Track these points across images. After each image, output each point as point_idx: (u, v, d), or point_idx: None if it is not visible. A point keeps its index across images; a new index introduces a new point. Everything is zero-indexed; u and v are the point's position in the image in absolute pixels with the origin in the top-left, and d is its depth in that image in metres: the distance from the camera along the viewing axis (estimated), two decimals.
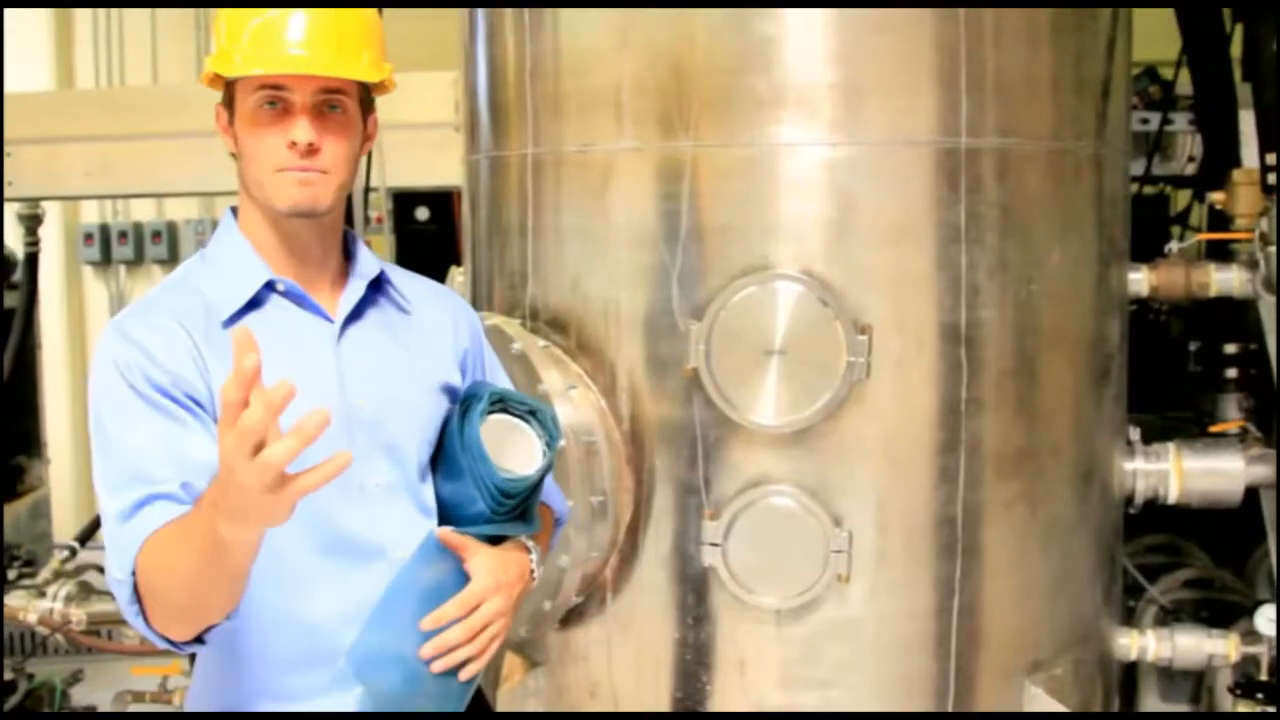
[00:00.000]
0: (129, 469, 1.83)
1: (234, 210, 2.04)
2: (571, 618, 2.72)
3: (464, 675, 1.98)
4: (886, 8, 2.48)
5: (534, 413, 2.09)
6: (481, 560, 2.00)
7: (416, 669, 1.95)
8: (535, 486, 2.06)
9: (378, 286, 2.07)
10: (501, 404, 2.07)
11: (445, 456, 2.07)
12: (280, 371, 1.90)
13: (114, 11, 7.25)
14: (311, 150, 1.90)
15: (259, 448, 1.51)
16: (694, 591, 2.61)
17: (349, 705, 1.95)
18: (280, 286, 1.97)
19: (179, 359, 1.88)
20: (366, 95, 2.01)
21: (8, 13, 5.01)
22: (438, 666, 1.94)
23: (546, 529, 2.20)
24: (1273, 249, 2.97)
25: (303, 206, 1.93)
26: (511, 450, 2.07)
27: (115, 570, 1.81)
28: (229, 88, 1.97)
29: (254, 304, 1.95)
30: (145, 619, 1.82)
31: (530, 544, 2.11)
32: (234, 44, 1.93)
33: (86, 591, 4.34)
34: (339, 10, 1.95)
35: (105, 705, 4.84)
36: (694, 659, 2.63)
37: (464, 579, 1.99)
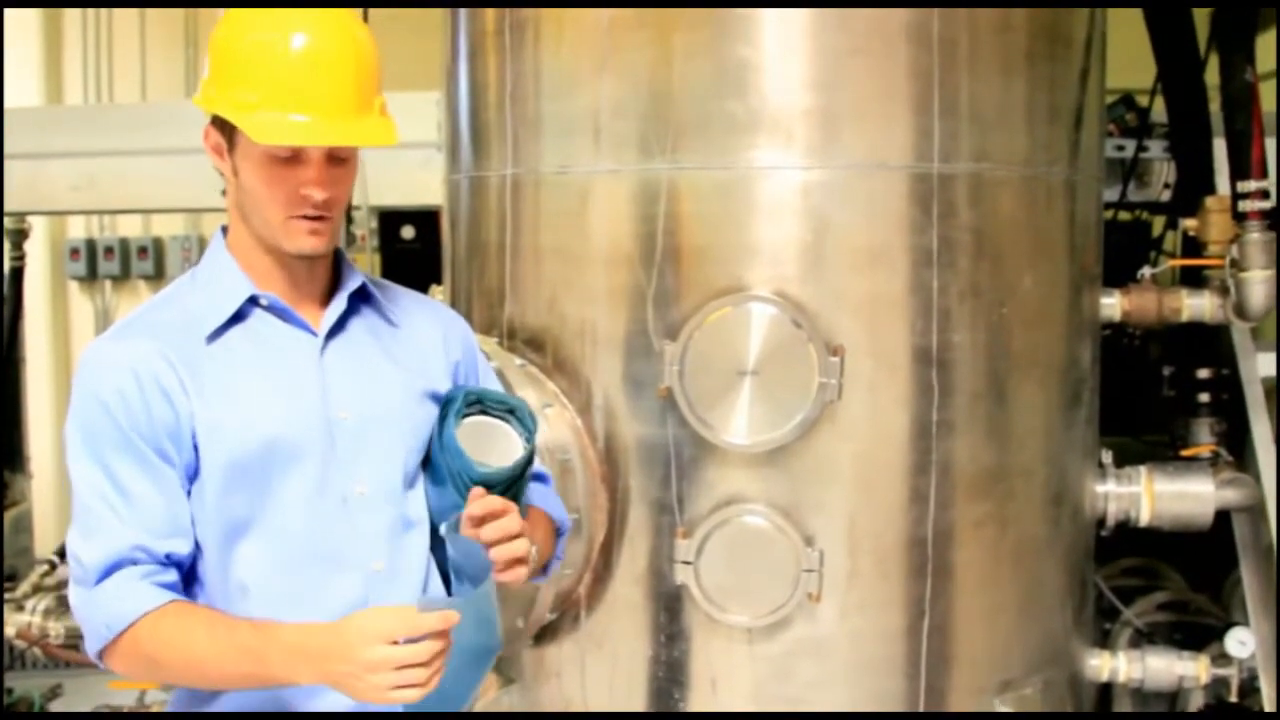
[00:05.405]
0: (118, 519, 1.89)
1: (225, 229, 2.06)
2: (545, 635, 2.74)
3: (514, 577, 1.95)
4: (860, 10, 2.51)
5: (512, 411, 2.12)
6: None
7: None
8: (516, 479, 2.07)
9: (365, 300, 2.09)
10: (480, 405, 2.10)
11: (431, 464, 2.09)
12: (263, 383, 1.94)
13: (104, 28, 7.25)
14: (325, 204, 1.95)
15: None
16: (666, 610, 2.63)
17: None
18: (264, 301, 2.00)
19: (148, 400, 1.90)
20: None
21: None
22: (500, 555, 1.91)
23: (550, 538, 2.19)
24: (1244, 275, 3.00)
25: (314, 251, 1.97)
26: (493, 449, 2.08)
27: (98, 627, 1.89)
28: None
29: (238, 318, 1.98)
30: (104, 652, 1.91)
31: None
32: (247, 89, 1.89)
33: (65, 606, 4.32)
34: (354, 60, 1.93)
35: None
36: (666, 676, 2.65)
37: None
